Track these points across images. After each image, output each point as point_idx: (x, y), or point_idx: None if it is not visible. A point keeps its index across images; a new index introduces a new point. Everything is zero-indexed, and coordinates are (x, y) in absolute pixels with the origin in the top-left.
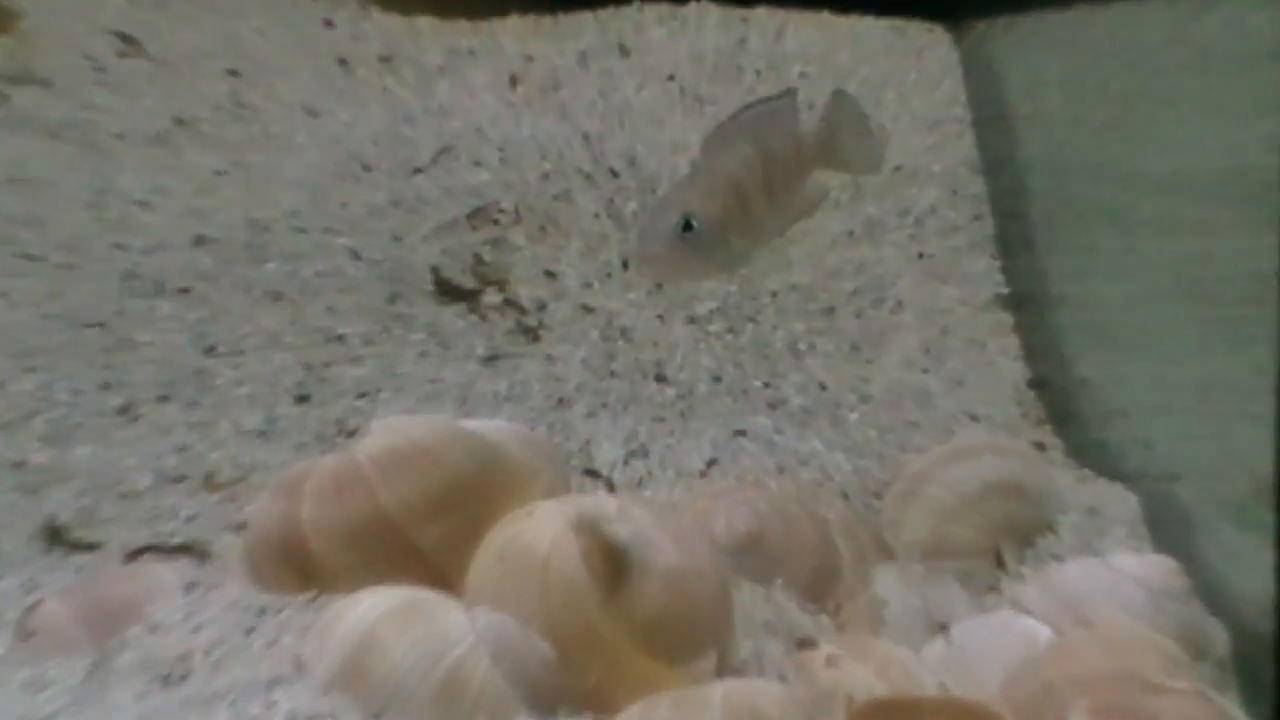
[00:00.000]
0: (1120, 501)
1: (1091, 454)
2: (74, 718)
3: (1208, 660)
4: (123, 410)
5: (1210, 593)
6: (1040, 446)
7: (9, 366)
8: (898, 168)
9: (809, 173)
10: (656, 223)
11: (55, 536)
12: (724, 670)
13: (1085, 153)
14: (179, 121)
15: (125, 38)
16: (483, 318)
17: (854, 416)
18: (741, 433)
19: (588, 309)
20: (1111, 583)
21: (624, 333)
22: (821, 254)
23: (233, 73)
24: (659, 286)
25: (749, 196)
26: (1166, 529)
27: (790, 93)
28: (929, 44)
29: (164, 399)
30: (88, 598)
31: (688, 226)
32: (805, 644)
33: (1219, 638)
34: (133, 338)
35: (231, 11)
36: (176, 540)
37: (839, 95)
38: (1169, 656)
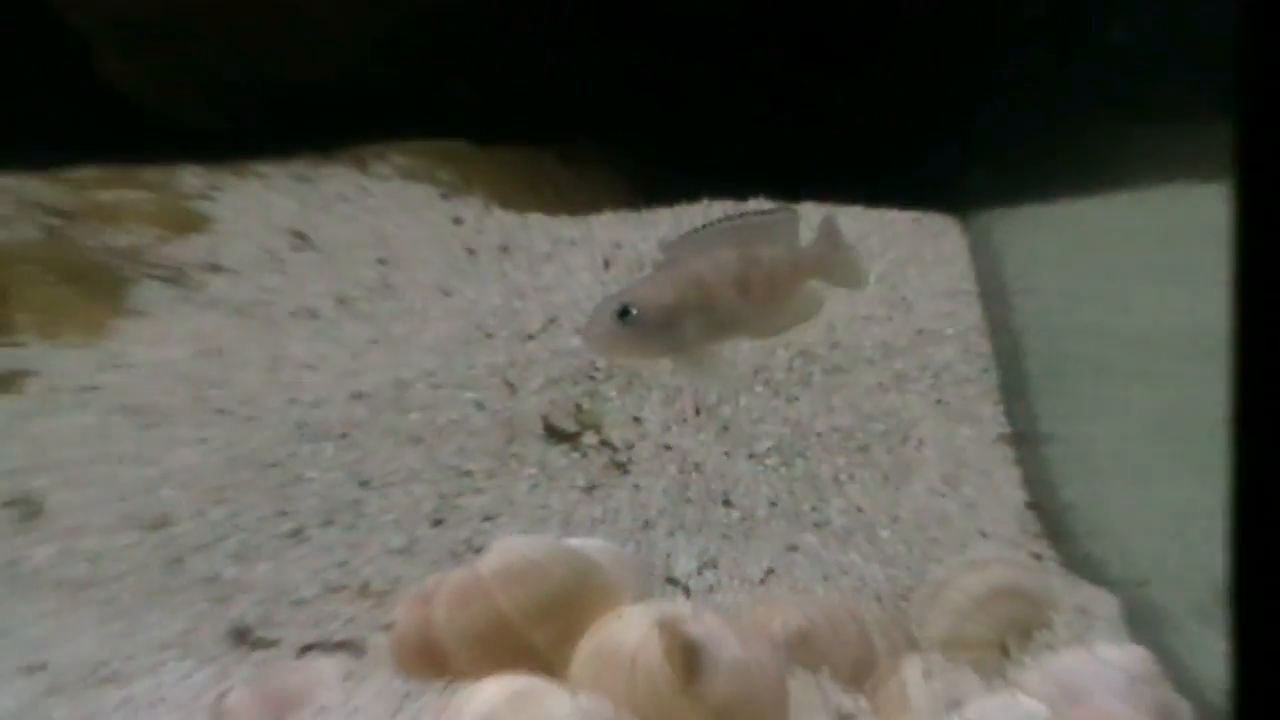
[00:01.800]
0: (1103, 603)
1: (1079, 564)
2: None
3: None
4: (294, 533)
5: (1178, 677)
6: (1038, 557)
7: (205, 499)
8: (920, 331)
9: (803, 281)
10: (601, 309)
11: (241, 636)
12: None
13: (1072, 316)
14: (339, 300)
15: (297, 234)
16: (583, 455)
17: (885, 534)
18: (794, 548)
19: (667, 447)
20: (1097, 670)
21: (696, 467)
22: (859, 401)
23: (381, 261)
24: (671, 398)
25: (716, 293)
26: (1141, 625)
27: (791, 210)
28: (942, 230)
29: (327, 524)
30: (267, 686)
31: (624, 313)
32: None
33: (1184, 713)
34: (302, 475)
35: (380, 211)
36: (337, 639)
37: (829, 221)
38: None
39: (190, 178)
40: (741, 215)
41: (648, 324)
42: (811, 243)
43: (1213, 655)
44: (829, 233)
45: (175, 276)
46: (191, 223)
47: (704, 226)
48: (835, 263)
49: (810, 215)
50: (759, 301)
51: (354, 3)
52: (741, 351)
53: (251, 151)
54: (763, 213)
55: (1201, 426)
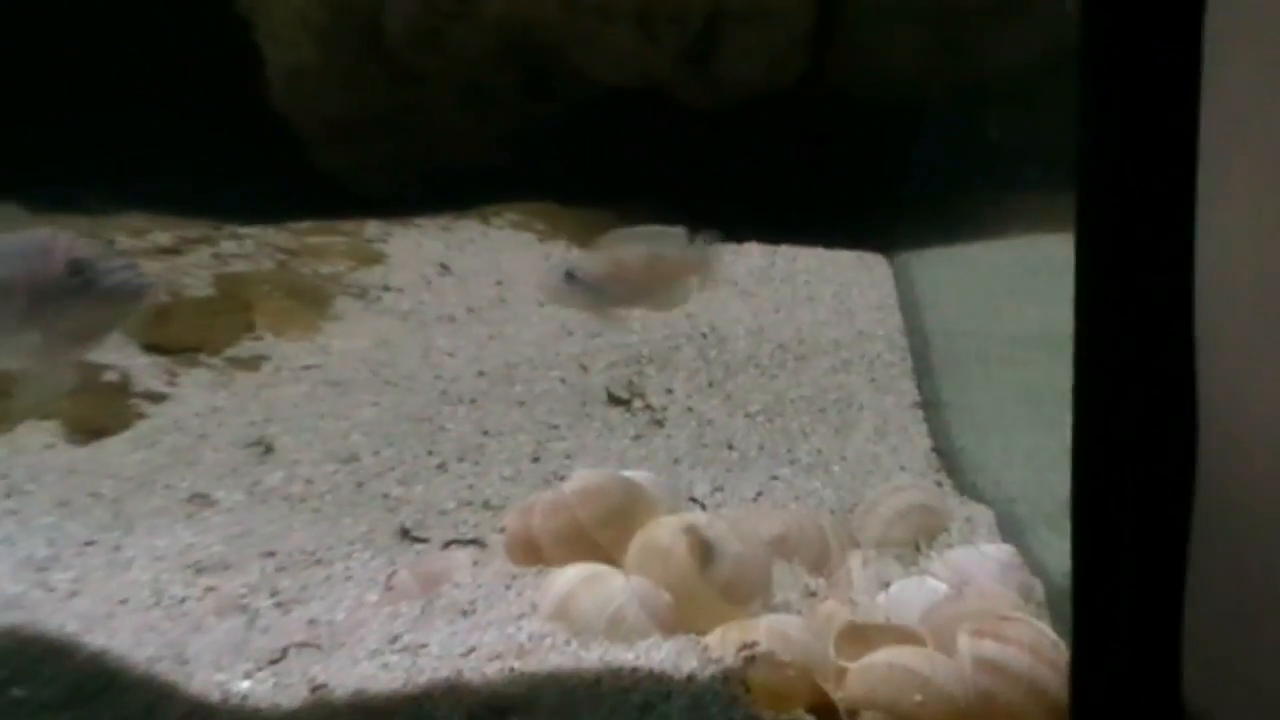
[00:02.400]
0: (983, 516)
1: (967, 489)
2: (414, 631)
3: (1032, 603)
4: (439, 466)
5: (1034, 566)
6: (939, 485)
7: (380, 442)
8: (860, 331)
9: (684, 276)
10: (553, 270)
11: (404, 535)
12: (766, 611)
13: (963, 322)
14: (469, 309)
15: (442, 265)
16: (632, 414)
17: (836, 468)
18: (775, 478)
19: (689, 409)
20: (979, 560)
21: (709, 423)
22: (819, 379)
23: (498, 283)
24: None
25: (628, 274)
26: (1009, 531)
27: (680, 229)
28: (876, 263)
29: (461, 460)
30: (422, 568)
31: (569, 275)
32: (813, 596)
33: (1039, 590)
34: (444, 426)
35: (497, 250)
36: (468, 537)
37: (707, 237)
38: (1012, 602)
39: (372, 228)
40: (653, 229)
41: (583, 286)
42: (696, 249)
43: (1058, 551)
44: (705, 248)
45: (361, 293)
46: (372, 257)
47: (626, 230)
48: (704, 267)
49: (786, 252)
50: (655, 284)
51: (480, 112)
52: (740, 342)
53: (412, 211)
54: (664, 229)
55: (1050, 395)
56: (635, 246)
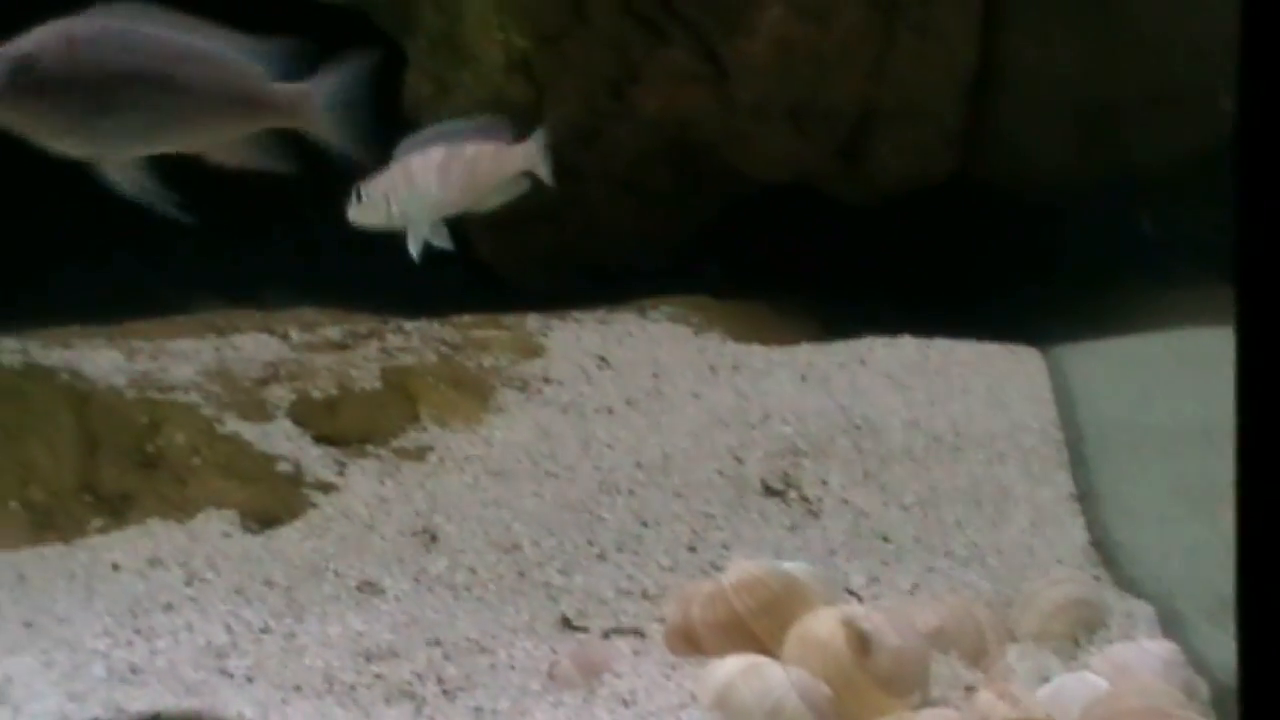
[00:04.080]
0: (1143, 610)
1: (1126, 584)
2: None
3: (1196, 701)
4: (599, 556)
5: (1196, 663)
6: (1097, 578)
7: (541, 531)
8: (1014, 423)
9: (507, 172)
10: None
11: (566, 623)
12: (924, 704)
13: (1113, 414)
14: (628, 401)
15: (600, 358)
16: (788, 505)
17: (993, 561)
18: (931, 569)
19: (845, 501)
20: (1140, 656)
21: (864, 514)
22: (973, 470)
23: (655, 375)
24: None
25: (420, 181)
26: (1170, 626)
27: (502, 119)
28: (1029, 356)
29: (620, 549)
30: (583, 658)
31: (358, 196)
32: (970, 690)
33: (1203, 688)
34: (603, 516)
35: (654, 343)
36: (628, 626)
37: (542, 134)
38: (1175, 699)
39: (532, 321)
40: (454, 124)
41: (375, 204)
42: (525, 147)
43: (1221, 647)
44: (536, 140)
45: (523, 386)
46: (534, 350)
47: (416, 134)
48: (530, 159)
49: (941, 346)
50: (460, 186)
51: (637, 209)
52: (894, 433)
53: (571, 304)
54: (481, 121)
55: (1207, 490)
56: (430, 149)
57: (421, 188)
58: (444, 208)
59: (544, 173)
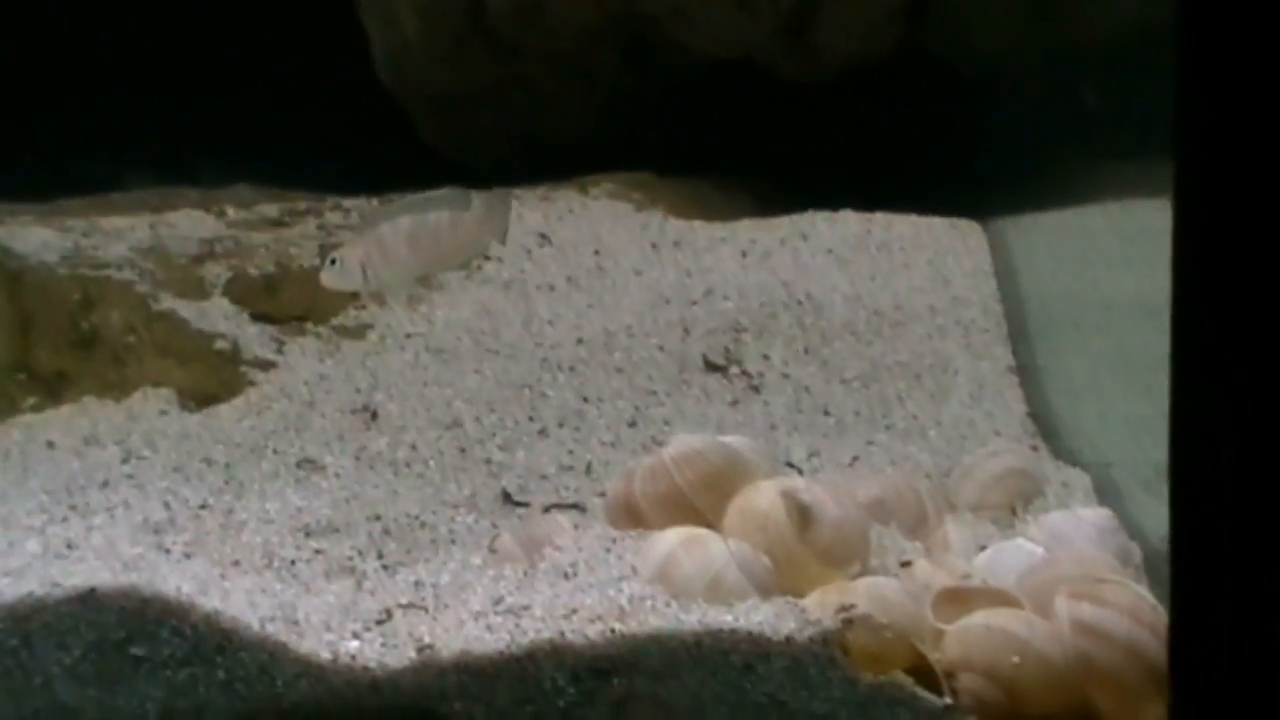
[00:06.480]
0: (1079, 480)
1: (1062, 454)
2: (517, 593)
3: (1130, 567)
4: (540, 432)
5: (1131, 530)
6: (1035, 449)
7: (482, 408)
8: (955, 297)
9: (470, 240)
10: (324, 258)
11: (506, 499)
12: (863, 575)
13: (1055, 288)
14: (568, 279)
15: (541, 235)
16: (730, 381)
17: (932, 433)
18: (871, 443)
19: (785, 376)
20: (1076, 524)
21: (806, 389)
22: (915, 345)
23: (596, 252)
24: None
25: (391, 249)
26: (1106, 495)
27: (464, 192)
28: (970, 230)
29: (561, 425)
30: (524, 532)
31: (332, 262)
32: (907, 561)
33: (1136, 555)
34: (545, 393)
35: (595, 220)
36: (569, 501)
37: (496, 197)
38: (1109, 565)
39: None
40: (422, 196)
41: (347, 271)
42: (478, 214)
43: (1156, 515)
44: (490, 209)
45: (463, 264)
46: None
47: (386, 205)
48: (490, 229)
49: (881, 219)
50: (428, 252)
51: (578, 85)
52: (836, 308)
53: (512, 182)
54: (439, 194)
55: (1146, 361)
56: (398, 219)
57: (393, 255)
58: (414, 272)
59: (502, 239)
